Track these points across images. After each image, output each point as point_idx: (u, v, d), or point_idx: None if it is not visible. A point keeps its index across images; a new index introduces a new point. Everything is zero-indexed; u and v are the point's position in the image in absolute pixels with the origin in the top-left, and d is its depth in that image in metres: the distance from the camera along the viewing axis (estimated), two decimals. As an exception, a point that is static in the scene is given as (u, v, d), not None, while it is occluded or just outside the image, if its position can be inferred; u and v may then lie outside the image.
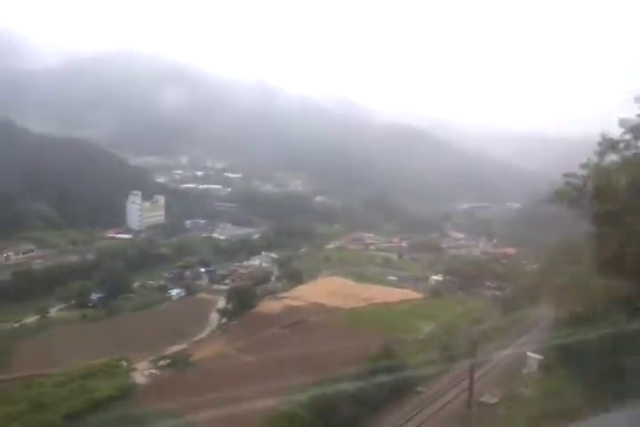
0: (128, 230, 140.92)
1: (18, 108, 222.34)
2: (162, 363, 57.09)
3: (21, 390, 48.70)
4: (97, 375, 51.53)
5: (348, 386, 32.61)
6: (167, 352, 61.95)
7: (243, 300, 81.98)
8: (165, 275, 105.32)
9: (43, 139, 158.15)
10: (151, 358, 59.10)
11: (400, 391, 35.17)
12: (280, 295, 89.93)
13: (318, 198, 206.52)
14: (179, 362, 56.58)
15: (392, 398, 34.35)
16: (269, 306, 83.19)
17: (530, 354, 37.12)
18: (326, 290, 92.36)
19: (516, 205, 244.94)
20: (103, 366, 54.52)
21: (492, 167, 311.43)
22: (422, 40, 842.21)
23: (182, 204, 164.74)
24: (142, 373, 54.63)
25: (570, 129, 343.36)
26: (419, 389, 36.45)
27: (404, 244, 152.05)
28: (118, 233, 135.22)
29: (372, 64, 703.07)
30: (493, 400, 32.70)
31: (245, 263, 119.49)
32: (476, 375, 33.47)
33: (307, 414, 31.60)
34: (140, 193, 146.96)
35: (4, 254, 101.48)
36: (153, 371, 55.21)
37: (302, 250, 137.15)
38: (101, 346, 65.97)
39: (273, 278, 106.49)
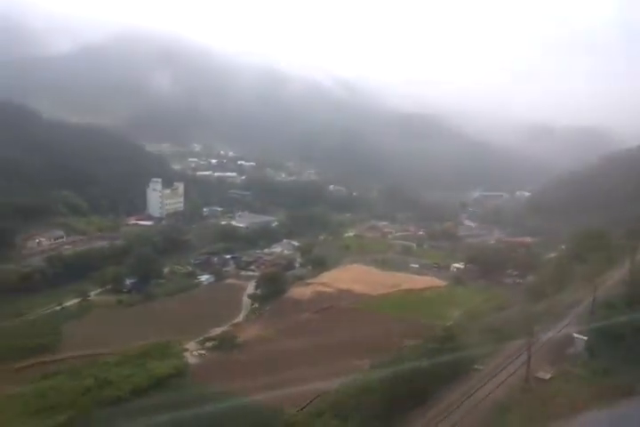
0: (149, 217, 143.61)
1: (34, 96, 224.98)
2: (209, 344, 59.83)
3: (87, 367, 51.50)
4: (151, 355, 54.29)
5: (409, 365, 35.07)
6: (209, 335, 64.58)
7: (273, 285, 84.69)
8: (192, 261, 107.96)
9: (64, 127, 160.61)
10: (198, 340, 61.85)
11: (461, 369, 37.77)
12: (307, 281, 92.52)
13: (332, 187, 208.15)
14: (225, 344, 59.31)
15: (454, 375, 36.92)
16: (299, 292, 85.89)
17: (576, 335, 39.60)
18: (351, 277, 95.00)
19: (526, 194, 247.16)
20: (156, 347, 57.30)
21: (502, 156, 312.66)
22: (434, 29, 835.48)
23: (199, 191, 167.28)
24: (192, 353, 57.43)
25: (576, 119, 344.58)
26: (477, 366, 39.05)
27: (420, 232, 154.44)
28: (140, 220, 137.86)
29: (384, 52, 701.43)
30: (547, 376, 35.28)
31: (267, 250, 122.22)
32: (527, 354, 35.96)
33: (383, 386, 34.00)
34: (160, 180, 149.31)
35: (36, 240, 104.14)
36: (202, 352, 57.99)
37: (320, 238, 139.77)
38: (145, 329, 68.88)
39: (297, 265, 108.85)
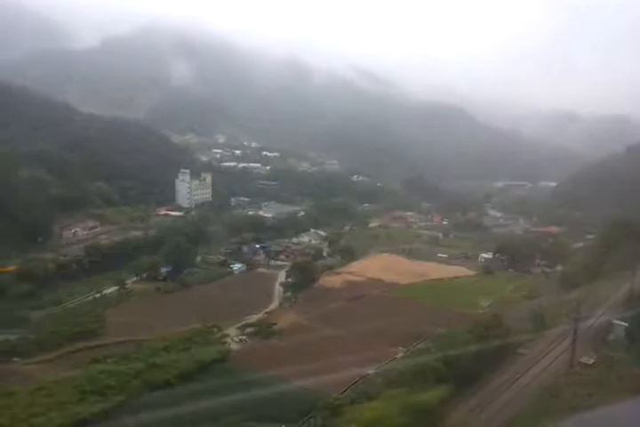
0: (178, 208, 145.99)
1: (61, 89, 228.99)
2: (248, 331, 61.65)
3: (134, 352, 53.59)
4: (194, 341, 56.25)
5: (455, 349, 36.21)
6: (246, 322, 66.42)
7: (305, 274, 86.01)
8: (222, 250, 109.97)
9: (95, 120, 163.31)
10: (237, 326, 63.71)
11: (505, 353, 38.85)
12: (337, 271, 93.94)
13: (355, 177, 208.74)
14: (264, 330, 61.09)
15: (500, 359, 38.03)
16: (329, 280, 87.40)
17: (616, 322, 40.33)
18: (380, 266, 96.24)
19: (551, 184, 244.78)
20: (198, 333, 59.29)
21: (525, 146, 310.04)
22: (457, 17, 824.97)
23: (224, 182, 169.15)
24: (233, 339, 59.31)
25: (601, 108, 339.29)
26: (520, 351, 40.08)
27: (444, 222, 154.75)
28: (170, 210, 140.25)
29: (406, 42, 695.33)
30: (591, 361, 36.19)
31: (294, 240, 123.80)
32: (570, 340, 36.88)
33: (430, 369, 35.27)
34: (188, 171, 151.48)
35: (73, 230, 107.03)
36: (243, 337, 59.85)
37: (346, 228, 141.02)
38: (183, 315, 70.86)
39: (325, 255, 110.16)
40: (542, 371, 35.57)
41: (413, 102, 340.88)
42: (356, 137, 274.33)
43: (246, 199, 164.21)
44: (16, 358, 56.49)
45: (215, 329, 61.74)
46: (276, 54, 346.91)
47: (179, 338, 57.46)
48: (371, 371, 51.61)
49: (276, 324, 63.05)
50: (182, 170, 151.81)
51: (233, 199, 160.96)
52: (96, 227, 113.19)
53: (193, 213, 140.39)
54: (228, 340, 58.96)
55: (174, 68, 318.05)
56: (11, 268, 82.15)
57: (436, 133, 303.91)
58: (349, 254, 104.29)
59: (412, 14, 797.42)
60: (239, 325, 64.47)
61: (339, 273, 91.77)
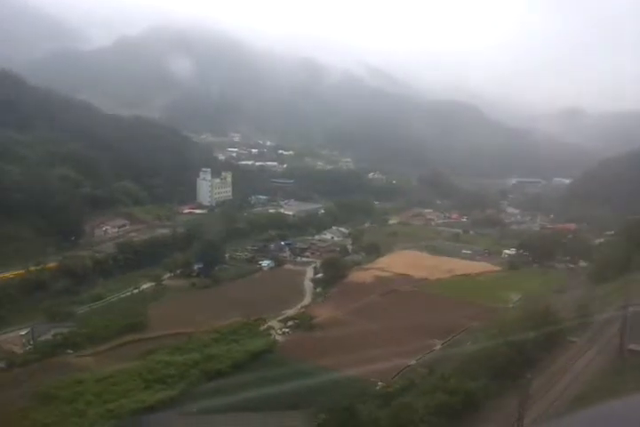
0: (200, 206, 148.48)
1: (76, 90, 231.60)
2: (290, 324, 63.96)
3: (185, 344, 55.96)
4: (241, 333, 58.58)
5: (507, 339, 38.27)
6: (284, 315, 68.74)
7: (334, 270, 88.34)
8: (248, 247, 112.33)
9: (116, 119, 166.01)
10: (278, 319, 66.05)
11: (557, 341, 40.88)
12: (364, 267, 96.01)
13: (371, 175, 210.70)
14: (305, 323, 63.39)
15: (552, 347, 40.07)
16: (358, 276, 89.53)
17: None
18: (406, 262, 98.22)
19: (564, 181, 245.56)
20: (243, 326, 61.64)
21: (536, 143, 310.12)
22: (464, 15, 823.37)
23: (243, 180, 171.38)
24: (277, 331, 61.64)
25: (612, 104, 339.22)
26: (571, 339, 42.09)
27: (463, 219, 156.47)
28: (192, 208, 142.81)
29: (414, 40, 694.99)
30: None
31: (317, 237, 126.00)
32: (614, 329, 38.90)
33: (482, 357, 37.33)
34: (209, 170, 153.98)
35: (104, 228, 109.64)
36: (286, 330, 62.18)
37: (366, 225, 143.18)
38: (221, 309, 73.19)
39: (350, 251, 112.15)
40: (596, 355, 37.55)
41: (425, 100, 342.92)
42: (369, 135, 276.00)
43: (264, 197, 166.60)
44: (69, 351, 58.98)
45: (259, 322, 63.96)
46: (288, 53, 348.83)
47: (226, 330, 59.81)
48: (412, 361, 53.86)
49: (315, 317, 65.24)
50: (204, 169, 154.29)
51: (252, 197, 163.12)
52: (125, 225, 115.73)
53: (216, 211, 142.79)
54: (272, 332, 61.21)
55: (186, 68, 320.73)
56: (51, 265, 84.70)
57: (449, 131, 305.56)
58: (374, 251, 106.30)
59: (423, 12, 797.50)
60: (279, 318, 66.71)
61: (367, 269, 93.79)
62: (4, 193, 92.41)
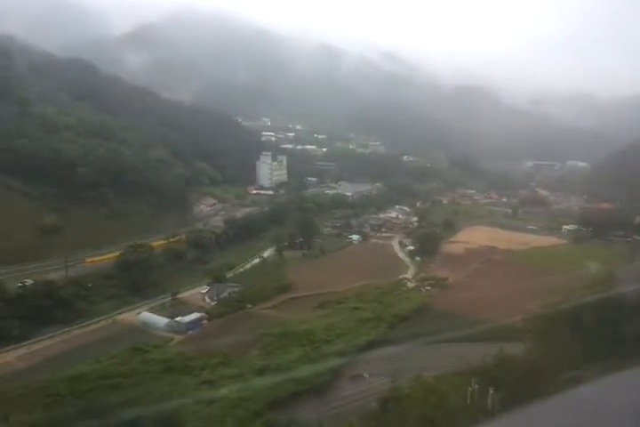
0: (261, 187, 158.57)
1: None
2: (427, 283, 75.33)
3: (355, 296, 67.15)
4: (397, 289, 69.85)
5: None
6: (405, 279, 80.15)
7: (431, 242, 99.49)
8: (328, 224, 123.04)
9: (176, 105, 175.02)
10: (417, 279, 77.44)
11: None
12: (449, 240, 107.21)
13: (405, 158, 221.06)
14: (439, 283, 74.74)
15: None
16: (450, 248, 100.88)
17: None
18: (485, 236, 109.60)
19: (578, 163, 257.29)
20: (393, 285, 72.95)
21: (549, 127, 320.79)
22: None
23: (289, 163, 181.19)
24: (421, 289, 73.02)
25: (621, 89, 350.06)
26: None
27: (503, 199, 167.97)
28: (258, 190, 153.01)
29: (426, 23, 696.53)
30: None
31: (382, 215, 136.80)
32: None
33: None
34: (270, 153, 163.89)
35: (200, 206, 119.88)
36: (428, 288, 73.50)
37: (418, 204, 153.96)
38: (346, 274, 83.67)
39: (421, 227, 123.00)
40: None
41: (440, 84, 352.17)
42: (388, 119, 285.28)
43: (314, 179, 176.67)
44: (249, 305, 69.91)
45: (404, 281, 75.26)
46: (306, 39, 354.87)
47: (387, 287, 71.03)
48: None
49: (447, 278, 76.59)
50: (264, 153, 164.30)
51: (306, 179, 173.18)
52: (215, 203, 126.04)
53: (281, 191, 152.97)
54: (422, 289, 72.53)
55: (209, 55, 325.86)
56: (178, 238, 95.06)
57: (464, 115, 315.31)
58: (450, 227, 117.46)
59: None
60: (418, 278, 78.05)
61: (453, 242, 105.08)
62: (124, 173, 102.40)
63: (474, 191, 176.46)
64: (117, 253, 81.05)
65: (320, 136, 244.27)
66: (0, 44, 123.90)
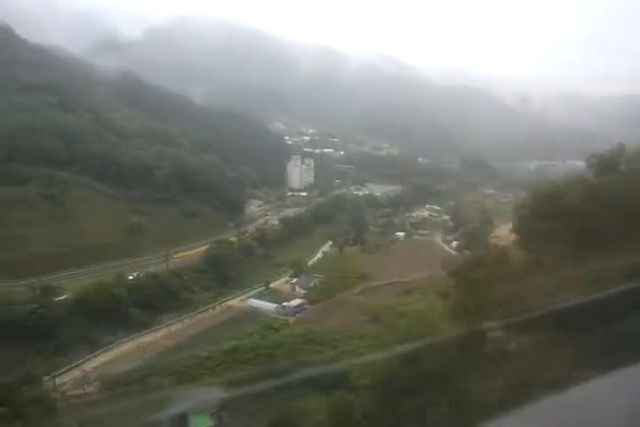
0: (292, 189, 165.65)
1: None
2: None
3: (428, 285, 74.45)
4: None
5: None
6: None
7: (475, 238, 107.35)
8: (370, 222, 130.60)
9: (205, 110, 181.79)
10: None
11: None
12: (492, 235, 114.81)
13: (420, 159, 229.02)
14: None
15: None
16: (494, 242, 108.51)
17: None
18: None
19: (577, 163, 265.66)
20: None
21: (544, 126, 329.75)
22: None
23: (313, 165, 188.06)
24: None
25: (615, 88, 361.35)
26: None
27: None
28: (292, 191, 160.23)
29: (425, 27, 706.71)
30: None
31: (414, 214, 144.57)
32: None
33: None
34: (300, 157, 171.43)
35: (250, 207, 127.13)
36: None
37: (450, 204, 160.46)
38: (408, 266, 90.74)
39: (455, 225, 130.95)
40: None
41: (438, 85, 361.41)
42: (393, 121, 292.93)
43: (338, 181, 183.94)
44: (336, 293, 77.21)
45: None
46: (310, 42, 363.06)
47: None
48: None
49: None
50: (294, 156, 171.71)
51: (333, 181, 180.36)
52: (262, 205, 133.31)
53: (314, 193, 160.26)
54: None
55: (217, 59, 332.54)
56: (248, 235, 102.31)
57: (464, 115, 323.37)
58: (488, 223, 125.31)
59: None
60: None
61: (496, 237, 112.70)
62: (190, 176, 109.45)
63: (493, 191, 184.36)
64: (200, 249, 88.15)
65: (334, 139, 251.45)
66: (58, 56, 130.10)
